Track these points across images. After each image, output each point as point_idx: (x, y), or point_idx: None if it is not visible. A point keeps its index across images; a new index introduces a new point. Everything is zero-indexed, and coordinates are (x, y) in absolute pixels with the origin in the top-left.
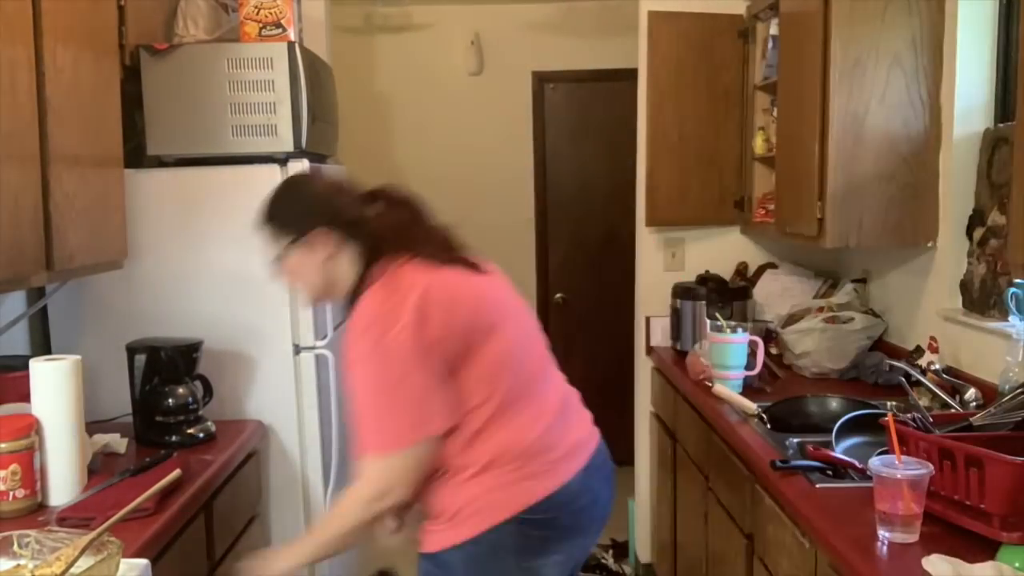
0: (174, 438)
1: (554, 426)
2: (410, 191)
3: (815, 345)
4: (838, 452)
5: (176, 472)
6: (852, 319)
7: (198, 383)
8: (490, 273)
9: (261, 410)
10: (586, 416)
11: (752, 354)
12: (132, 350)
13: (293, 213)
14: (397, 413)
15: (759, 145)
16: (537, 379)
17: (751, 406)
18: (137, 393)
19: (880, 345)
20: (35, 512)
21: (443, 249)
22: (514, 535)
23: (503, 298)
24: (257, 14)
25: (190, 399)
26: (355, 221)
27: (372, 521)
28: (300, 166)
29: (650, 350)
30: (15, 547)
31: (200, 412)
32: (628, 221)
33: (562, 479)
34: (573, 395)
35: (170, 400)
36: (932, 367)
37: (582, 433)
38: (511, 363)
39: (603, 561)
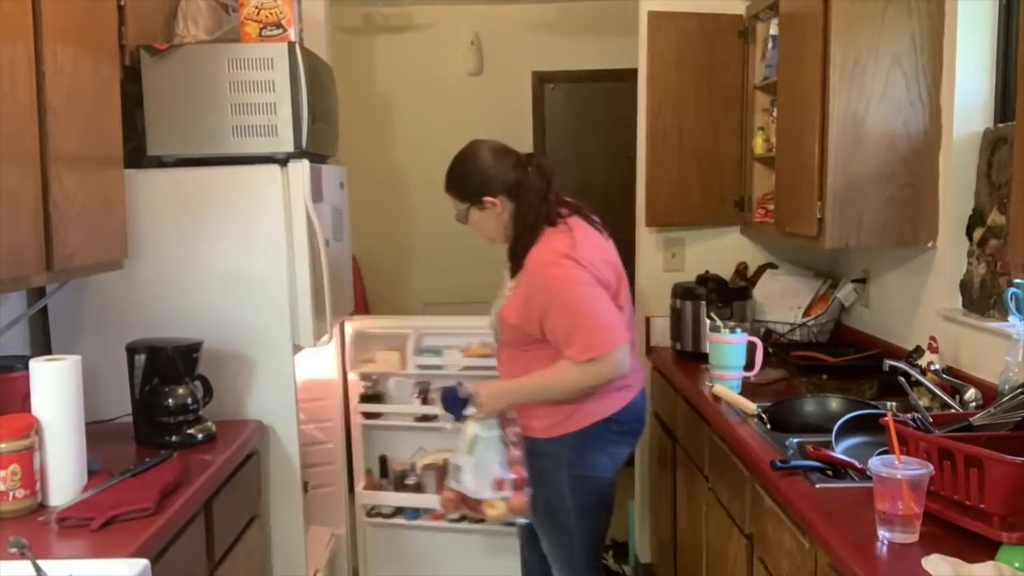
0: (174, 438)
1: (633, 356)
2: (546, 162)
3: None
4: (838, 452)
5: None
6: None
7: (198, 383)
8: (606, 234)
9: (261, 410)
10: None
11: (751, 354)
12: (132, 350)
13: (469, 185)
14: (605, 317)
15: (759, 145)
16: (631, 319)
17: (751, 406)
18: (137, 393)
19: (880, 345)
20: (35, 512)
21: (581, 211)
22: (606, 430)
23: (614, 252)
24: (257, 14)
25: (190, 399)
26: (513, 185)
27: (589, 390)
28: (300, 167)
29: (650, 350)
30: None
31: (200, 412)
32: (628, 221)
33: (635, 393)
34: None
35: (170, 400)
36: (932, 367)
37: (637, 364)
38: (627, 305)
39: (603, 561)
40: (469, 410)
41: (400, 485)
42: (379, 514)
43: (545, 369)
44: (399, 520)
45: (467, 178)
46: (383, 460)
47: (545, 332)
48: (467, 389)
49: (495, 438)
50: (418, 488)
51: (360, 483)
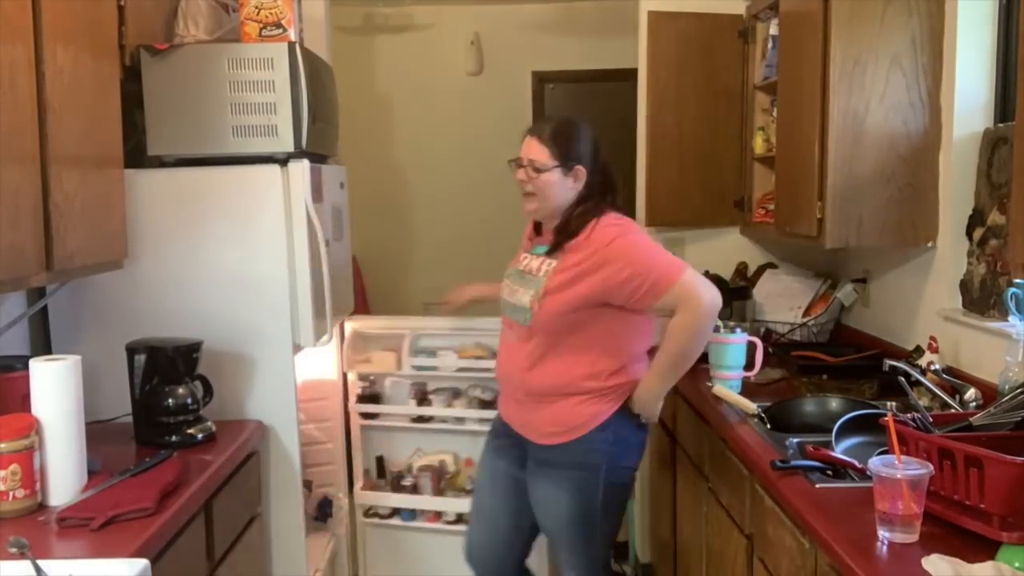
0: (174, 438)
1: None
2: (608, 164)
3: None
4: (838, 452)
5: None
6: None
7: (198, 383)
8: None
9: (261, 410)
10: None
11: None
12: (132, 350)
13: (571, 147)
14: (666, 254)
15: (759, 145)
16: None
17: (751, 406)
18: (137, 393)
19: (880, 345)
20: (35, 512)
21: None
22: (631, 416)
23: None
24: (257, 14)
25: (190, 399)
26: (598, 169)
27: (711, 326)
28: (300, 167)
29: (651, 350)
30: None
31: (200, 412)
32: None
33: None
34: None
35: (170, 400)
36: (932, 367)
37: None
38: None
39: None
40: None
41: (397, 486)
42: (376, 515)
43: (663, 343)
44: (395, 521)
45: (573, 140)
46: (380, 461)
47: (630, 297)
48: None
49: None
50: (415, 489)
51: (358, 483)
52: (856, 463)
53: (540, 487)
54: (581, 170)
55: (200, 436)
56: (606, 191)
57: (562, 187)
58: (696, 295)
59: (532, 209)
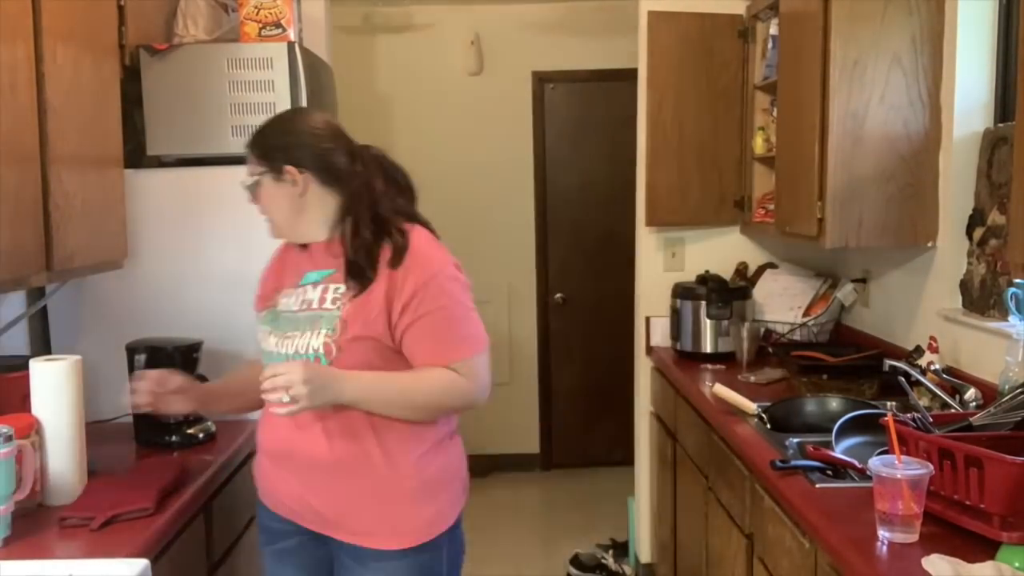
0: (174, 438)
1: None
2: (387, 159)
3: None
4: (838, 452)
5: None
6: None
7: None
8: None
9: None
10: None
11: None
12: (132, 349)
13: (277, 145)
14: (476, 323)
15: (759, 145)
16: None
17: (751, 406)
18: None
19: (880, 345)
20: (35, 512)
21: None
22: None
23: None
24: (257, 14)
25: None
26: (338, 173)
27: (451, 413)
28: None
29: (650, 350)
30: None
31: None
32: (628, 221)
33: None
34: None
35: None
36: (932, 367)
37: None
38: None
39: (603, 561)
40: None
41: None
42: None
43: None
44: None
45: (281, 136)
46: None
47: (404, 341)
48: None
49: None
50: None
51: None
52: (856, 463)
53: None
54: (293, 171)
55: (200, 436)
56: (359, 196)
57: (279, 198)
58: (487, 376)
59: (271, 232)
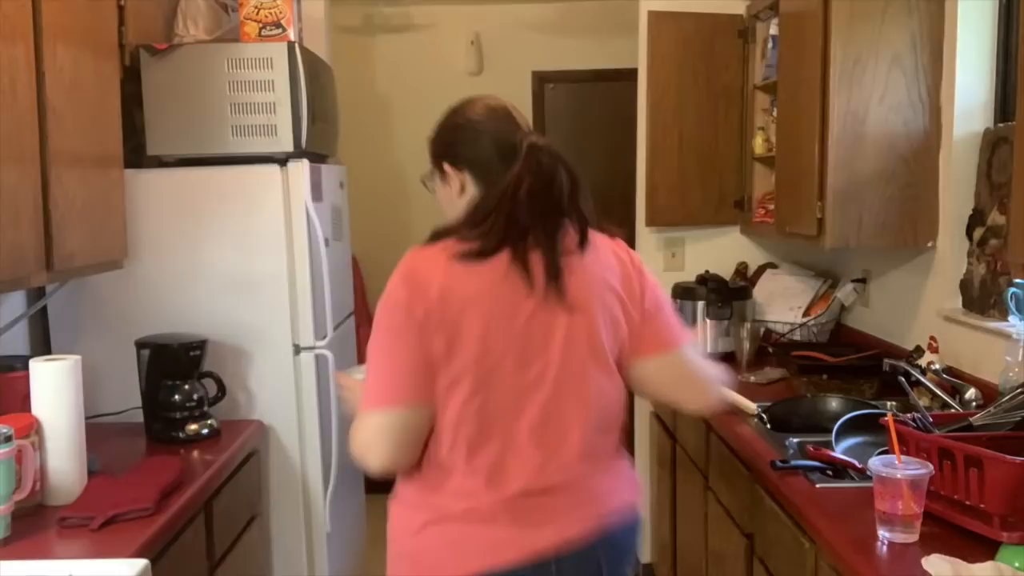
0: (180, 434)
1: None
2: (559, 162)
3: None
4: (838, 452)
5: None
6: None
7: (210, 380)
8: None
9: (261, 410)
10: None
11: None
12: (140, 346)
13: (434, 140)
14: (379, 374)
15: (759, 145)
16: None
17: (751, 406)
18: (144, 389)
19: (880, 345)
20: (35, 512)
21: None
22: None
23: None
24: (257, 14)
25: (196, 395)
26: (489, 173)
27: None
28: (300, 167)
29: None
30: None
31: (206, 409)
32: (628, 221)
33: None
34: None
35: (176, 396)
36: (932, 367)
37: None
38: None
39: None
40: None
41: None
42: None
43: None
44: None
45: (446, 134)
46: None
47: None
48: None
49: None
50: None
51: None
52: (856, 463)
53: None
54: (450, 169)
55: (205, 432)
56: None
57: (445, 197)
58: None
59: None
